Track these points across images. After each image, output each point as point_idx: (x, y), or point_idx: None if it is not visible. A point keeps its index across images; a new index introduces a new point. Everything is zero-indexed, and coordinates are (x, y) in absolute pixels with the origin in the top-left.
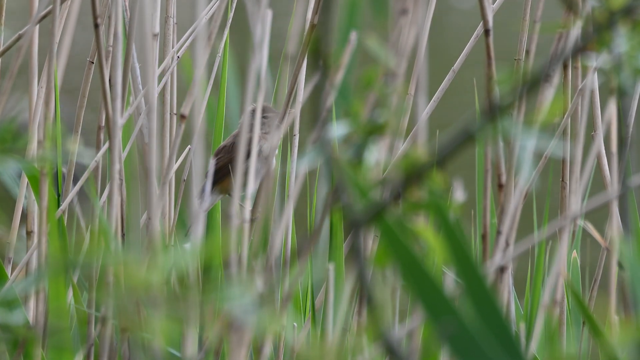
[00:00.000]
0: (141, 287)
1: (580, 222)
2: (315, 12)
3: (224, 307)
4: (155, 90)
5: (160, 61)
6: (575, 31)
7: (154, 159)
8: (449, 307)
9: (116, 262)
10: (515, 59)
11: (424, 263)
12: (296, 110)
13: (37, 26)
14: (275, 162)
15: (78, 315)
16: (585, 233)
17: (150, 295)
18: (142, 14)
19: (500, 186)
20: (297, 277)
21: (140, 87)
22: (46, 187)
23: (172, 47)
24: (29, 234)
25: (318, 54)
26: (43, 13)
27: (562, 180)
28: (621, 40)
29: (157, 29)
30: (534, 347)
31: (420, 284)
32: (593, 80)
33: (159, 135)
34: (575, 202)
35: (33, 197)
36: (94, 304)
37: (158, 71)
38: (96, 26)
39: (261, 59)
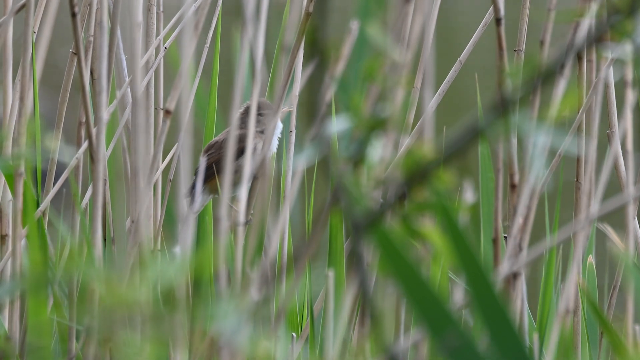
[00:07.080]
0: (124, 305)
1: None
2: None
3: (213, 325)
4: (140, 83)
5: (144, 52)
6: (592, 20)
7: (141, 159)
8: (451, 321)
9: (98, 276)
10: (514, 50)
11: (423, 274)
12: (292, 105)
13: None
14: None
15: (59, 329)
16: (604, 236)
17: (134, 314)
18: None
19: (512, 186)
20: (294, 285)
21: (127, 79)
22: (21, 186)
23: (156, 37)
24: (4, 237)
25: (315, 44)
26: (21, 3)
27: (577, 180)
28: None
29: (140, 18)
30: (548, 359)
31: (420, 296)
32: (609, 74)
33: (144, 132)
34: (591, 204)
35: (8, 197)
36: (75, 317)
37: (142, 62)
38: (73, 15)
39: (258, 42)
